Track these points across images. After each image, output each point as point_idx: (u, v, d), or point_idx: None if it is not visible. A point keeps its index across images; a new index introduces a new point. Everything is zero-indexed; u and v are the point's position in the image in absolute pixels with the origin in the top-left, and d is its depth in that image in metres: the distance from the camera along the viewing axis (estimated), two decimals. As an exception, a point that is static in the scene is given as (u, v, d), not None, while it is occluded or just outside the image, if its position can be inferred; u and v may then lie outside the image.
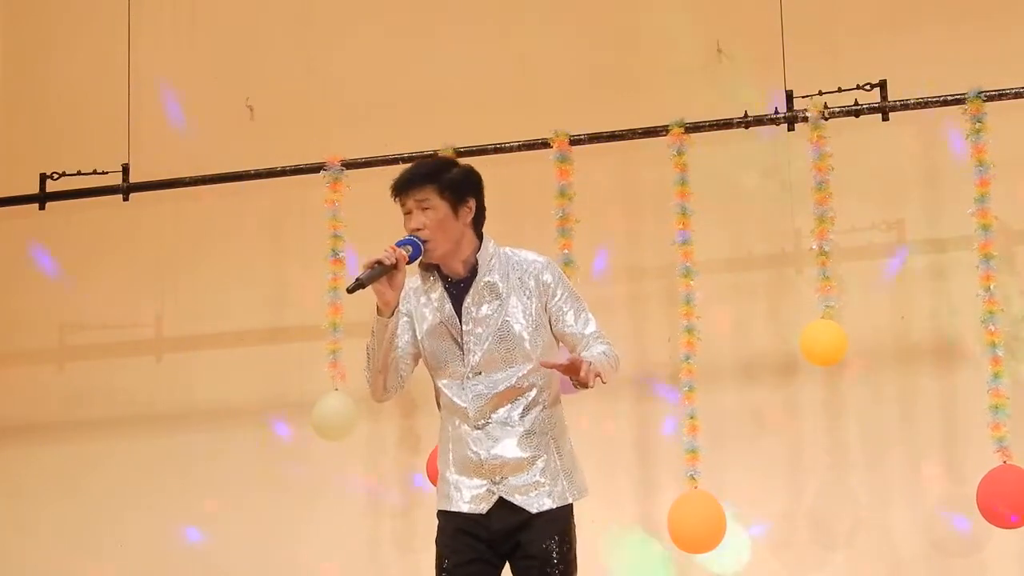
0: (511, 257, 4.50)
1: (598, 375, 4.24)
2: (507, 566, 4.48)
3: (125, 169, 7.09)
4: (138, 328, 7.49)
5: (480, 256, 4.46)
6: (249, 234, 7.40)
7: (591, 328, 4.46)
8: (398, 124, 7.07)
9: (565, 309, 4.46)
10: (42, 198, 7.18)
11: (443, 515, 4.48)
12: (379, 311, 4.33)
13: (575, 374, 4.20)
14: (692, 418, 6.27)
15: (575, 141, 6.57)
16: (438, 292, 4.47)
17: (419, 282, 4.52)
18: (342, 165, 6.76)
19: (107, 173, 7.07)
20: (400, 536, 7.04)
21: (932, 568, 6.52)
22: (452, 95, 7.15)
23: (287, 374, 7.24)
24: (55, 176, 7.15)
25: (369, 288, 4.27)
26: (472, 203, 4.47)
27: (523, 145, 6.64)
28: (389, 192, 4.49)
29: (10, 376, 7.59)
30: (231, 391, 7.32)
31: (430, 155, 6.65)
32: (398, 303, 4.33)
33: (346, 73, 7.38)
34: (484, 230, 4.55)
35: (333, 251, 6.65)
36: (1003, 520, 5.94)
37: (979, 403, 6.06)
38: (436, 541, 4.49)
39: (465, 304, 4.43)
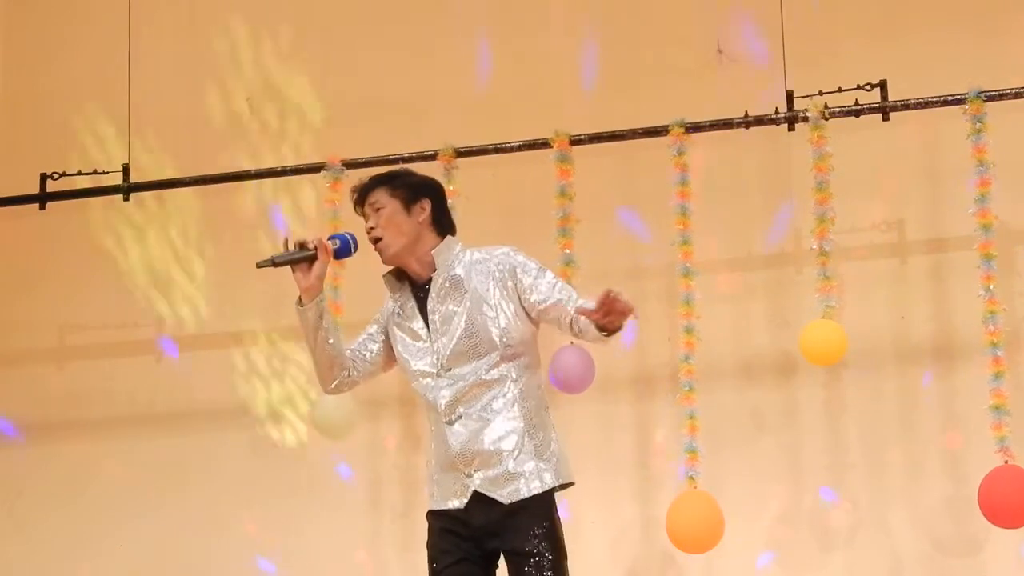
0: (475, 253, 4.51)
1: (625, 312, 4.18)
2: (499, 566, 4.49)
3: (125, 169, 7.09)
4: (138, 328, 7.49)
5: (436, 253, 4.47)
6: (249, 234, 7.39)
7: (568, 293, 4.42)
8: (398, 124, 7.07)
9: (535, 284, 4.43)
10: (42, 198, 7.18)
11: (430, 515, 4.49)
12: (300, 301, 4.38)
13: (611, 309, 4.14)
14: (692, 418, 6.27)
15: (575, 141, 6.56)
16: (408, 301, 4.52)
17: (392, 300, 4.55)
18: (342, 165, 6.76)
19: (107, 173, 7.08)
20: (400, 536, 7.03)
21: (932, 568, 6.52)
22: (452, 95, 7.15)
23: (287, 374, 7.24)
24: (55, 176, 7.15)
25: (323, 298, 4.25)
26: (427, 204, 4.50)
27: (523, 145, 6.64)
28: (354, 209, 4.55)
29: (10, 376, 7.59)
30: (231, 391, 7.32)
31: (430, 155, 6.69)
32: (320, 295, 4.39)
33: (346, 73, 7.38)
34: (481, 237, 4.60)
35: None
36: (1004, 520, 5.94)
37: (979, 403, 6.06)
38: (427, 544, 4.49)
39: (429, 303, 4.45)
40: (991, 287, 6.04)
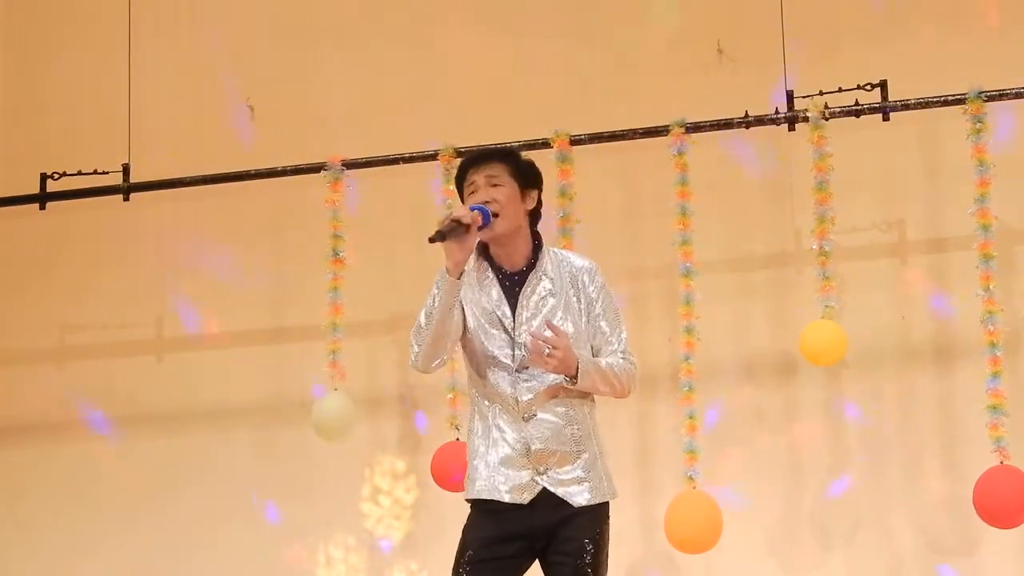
0: (561, 257, 4.53)
1: (540, 352, 4.26)
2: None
3: (125, 169, 7.09)
4: (138, 328, 7.49)
5: (539, 252, 4.48)
6: (249, 234, 7.40)
7: (618, 345, 4.49)
8: (398, 124, 7.07)
9: (602, 318, 4.48)
10: (42, 198, 7.19)
11: (481, 504, 4.41)
12: (448, 271, 4.31)
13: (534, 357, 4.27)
14: (692, 418, 6.27)
15: (575, 141, 6.57)
16: (493, 283, 4.47)
17: (473, 273, 4.48)
18: (342, 165, 6.76)
19: (107, 173, 7.08)
20: (400, 536, 7.03)
21: (931, 568, 6.52)
22: (452, 95, 7.15)
23: (287, 374, 7.24)
24: (55, 176, 7.15)
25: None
26: (535, 195, 4.53)
27: (523, 145, 6.61)
28: (457, 172, 4.52)
29: (10, 376, 7.59)
30: (231, 391, 7.32)
31: (430, 155, 6.69)
32: (464, 268, 4.34)
33: (346, 73, 7.38)
34: None
35: (333, 251, 6.66)
36: (999, 520, 5.94)
37: (979, 403, 6.06)
38: (465, 528, 4.42)
39: (522, 295, 4.43)
40: (991, 287, 6.04)
